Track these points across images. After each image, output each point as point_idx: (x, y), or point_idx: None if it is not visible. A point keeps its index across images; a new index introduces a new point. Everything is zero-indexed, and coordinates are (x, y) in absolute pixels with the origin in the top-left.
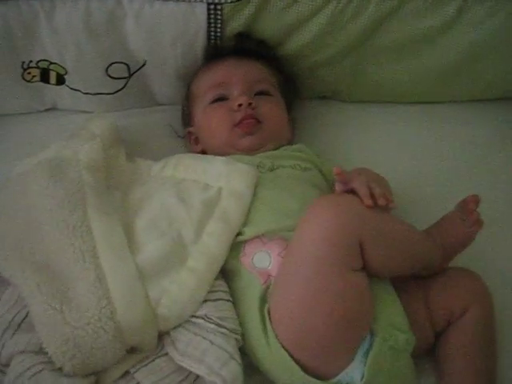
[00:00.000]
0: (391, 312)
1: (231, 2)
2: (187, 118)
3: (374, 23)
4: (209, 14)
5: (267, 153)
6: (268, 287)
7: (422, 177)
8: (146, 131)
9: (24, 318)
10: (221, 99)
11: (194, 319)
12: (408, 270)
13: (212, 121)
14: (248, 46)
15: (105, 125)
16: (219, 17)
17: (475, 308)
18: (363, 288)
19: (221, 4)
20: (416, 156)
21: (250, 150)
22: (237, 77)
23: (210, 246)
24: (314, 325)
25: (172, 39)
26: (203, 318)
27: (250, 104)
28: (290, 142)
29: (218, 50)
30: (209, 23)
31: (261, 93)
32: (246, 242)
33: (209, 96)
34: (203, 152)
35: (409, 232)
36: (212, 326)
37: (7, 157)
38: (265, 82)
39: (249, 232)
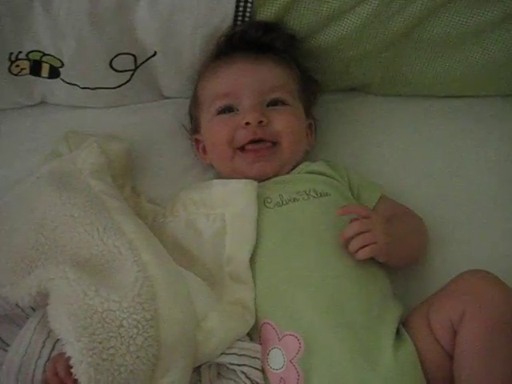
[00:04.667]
0: None
1: None
2: (194, 123)
3: (423, 14)
4: (238, 1)
5: (277, 178)
6: None
7: (452, 175)
8: (153, 129)
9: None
10: (229, 109)
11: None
12: None
13: (215, 137)
14: (266, 40)
15: (121, 150)
16: (249, 4)
17: (472, 309)
18: None
19: None
20: (445, 152)
21: (262, 177)
22: (247, 85)
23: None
24: None
25: (192, 28)
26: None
27: (260, 122)
28: (309, 151)
29: (231, 43)
30: (236, 11)
31: (275, 102)
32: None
33: (215, 106)
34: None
35: None
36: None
37: None
38: (280, 90)
39: (262, 313)
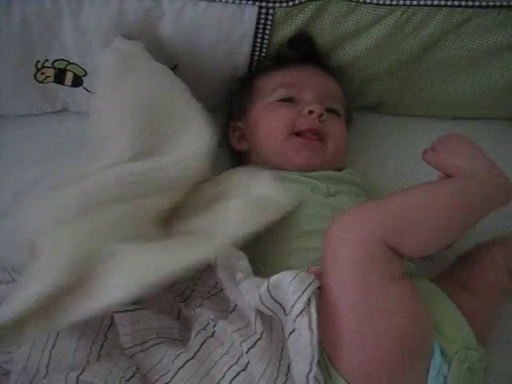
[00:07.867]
0: (457, 327)
1: (286, 7)
2: (238, 111)
3: (438, 36)
4: (259, 18)
5: (323, 173)
6: None
7: None
8: None
9: None
10: (288, 100)
11: None
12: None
13: (271, 119)
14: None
15: None
16: (269, 22)
17: None
18: (411, 296)
19: (274, 8)
20: None
21: (306, 168)
22: (315, 84)
23: None
24: (374, 353)
25: (212, 43)
26: None
27: (320, 116)
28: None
29: (288, 54)
30: (257, 28)
31: (331, 111)
32: None
33: (277, 93)
34: (247, 153)
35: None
36: None
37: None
38: (338, 101)
39: None
